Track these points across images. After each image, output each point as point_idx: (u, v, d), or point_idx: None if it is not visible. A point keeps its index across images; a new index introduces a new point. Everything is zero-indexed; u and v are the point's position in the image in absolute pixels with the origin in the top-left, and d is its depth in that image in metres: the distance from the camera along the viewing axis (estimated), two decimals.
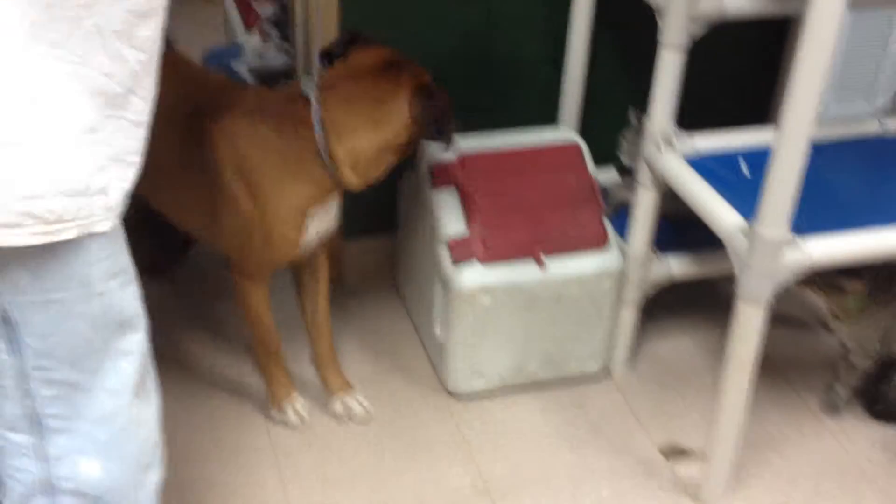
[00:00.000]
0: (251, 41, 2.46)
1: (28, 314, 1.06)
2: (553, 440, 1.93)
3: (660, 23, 1.75)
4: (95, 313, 1.09)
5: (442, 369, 2.04)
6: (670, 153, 1.83)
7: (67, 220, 1.01)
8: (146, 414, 1.20)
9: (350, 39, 1.70)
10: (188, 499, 1.74)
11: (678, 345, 2.20)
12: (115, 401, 1.15)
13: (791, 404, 2.05)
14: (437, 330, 2.04)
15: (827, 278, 1.87)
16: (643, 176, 1.89)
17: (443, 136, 1.69)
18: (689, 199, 1.76)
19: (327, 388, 1.97)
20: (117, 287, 1.11)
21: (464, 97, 2.17)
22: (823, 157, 1.73)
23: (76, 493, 1.17)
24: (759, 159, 1.77)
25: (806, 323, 2.27)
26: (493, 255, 1.93)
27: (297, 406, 1.93)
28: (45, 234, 0.99)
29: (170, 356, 2.07)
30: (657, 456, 1.90)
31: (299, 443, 1.89)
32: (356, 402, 1.96)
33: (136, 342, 1.16)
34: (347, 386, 1.98)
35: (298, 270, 1.91)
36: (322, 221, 1.75)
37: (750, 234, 1.58)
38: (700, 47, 1.77)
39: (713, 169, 1.80)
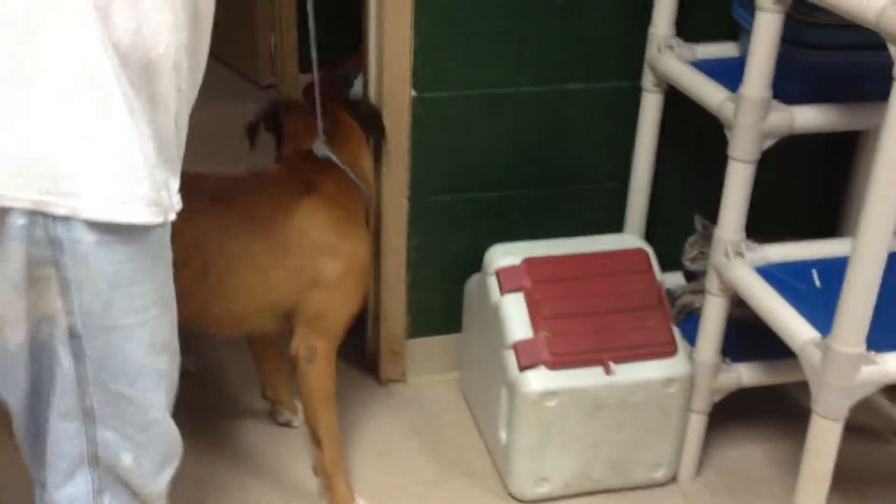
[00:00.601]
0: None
1: (94, 333, 1.18)
2: None
3: (728, 136, 1.77)
4: (147, 339, 1.22)
5: (506, 473, 2.03)
6: (740, 262, 1.83)
7: (158, 205, 1.15)
8: (172, 420, 1.34)
9: (275, 109, 1.95)
10: None
11: (748, 453, 2.16)
12: (159, 414, 1.29)
13: None
14: (502, 433, 2.03)
15: None
16: (712, 284, 1.89)
17: (376, 130, 2.01)
18: (760, 309, 1.75)
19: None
20: (159, 315, 1.23)
21: (531, 204, 2.23)
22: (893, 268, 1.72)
23: (112, 473, 1.29)
24: (831, 269, 1.77)
25: (881, 434, 2.22)
26: (559, 361, 1.93)
27: None
28: (147, 214, 1.14)
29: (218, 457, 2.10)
30: None
31: None
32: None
33: (173, 364, 1.29)
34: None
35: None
36: None
37: (825, 350, 1.56)
38: (768, 155, 1.78)
39: (784, 279, 1.79)
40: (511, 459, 1.99)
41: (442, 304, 2.30)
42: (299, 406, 2.16)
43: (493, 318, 2.02)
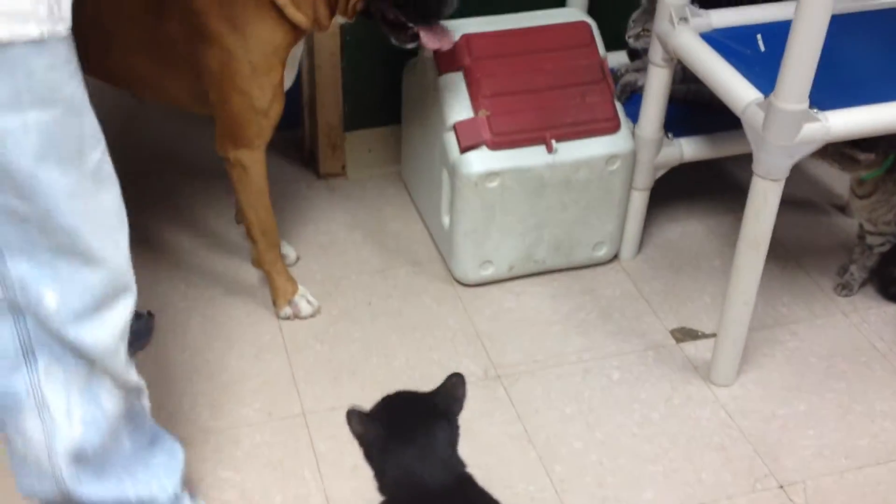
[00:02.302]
0: None
1: None
2: (563, 326, 1.92)
3: None
4: (35, 147, 1.05)
5: (451, 259, 2.02)
6: (684, 28, 1.76)
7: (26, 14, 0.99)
8: (108, 253, 1.17)
9: None
10: (202, 385, 1.74)
11: (688, 230, 2.18)
12: (72, 238, 1.12)
13: (804, 287, 2.03)
14: (445, 219, 2.01)
15: (838, 148, 1.82)
16: (655, 54, 1.84)
17: None
18: (704, 75, 1.71)
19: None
20: (54, 120, 1.07)
21: None
22: (838, 30, 1.68)
23: (44, 327, 1.15)
24: (775, 33, 1.72)
25: (821, 208, 2.24)
26: (500, 140, 1.88)
27: (309, 296, 1.91)
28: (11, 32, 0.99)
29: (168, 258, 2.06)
30: (668, 339, 1.90)
31: (308, 336, 1.87)
32: (287, 249, 1.97)
33: (80, 178, 1.12)
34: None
35: None
36: (290, 71, 1.74)
37: (768, 109, 1.53)
38: None
39: (728, 44, 1.74)
40: (455, 244, 1.98)
41: (380, 94, 2.22)
42: None
43: (433, 100, 1.95)
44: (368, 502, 1.21)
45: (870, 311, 1.97)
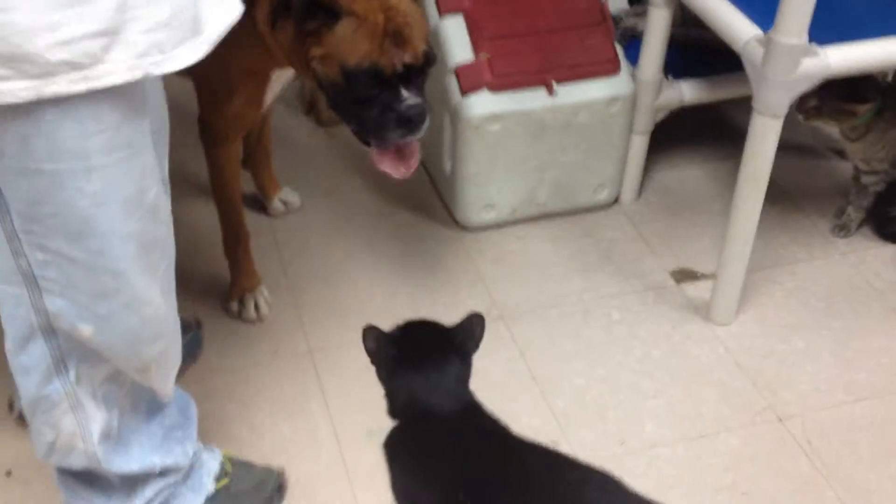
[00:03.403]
0: None
1: (12, 179, 1.00)
2: (564, 268, 1.94)
3: None
4: (93, 189, 1.01)
5: (453, 203, 2.04)
6: None
7: (107, 63, 0.93)
8: (153, 293, 1.15)
9: None
10: (208, 325, 1.76)
11: (688, 174, 2.19)
12: (118, 281, 1.09)
13: (802, 228, 2.05)
14: (447, 164, 2.02)
15: (836, 106, 1.85)
16: None
17: None
18: (703, 13, 1.71)
19: (266, 194, 2.06)
20: (115, 163, 1.01)
21: None
22: None
23: (75, 341, 1.15)
24: None
25: (818, 152, 2.26)
26: (502, 82, 1.89)
27: (261, 301, 1.81)
28: (86, 79, 0.93)
29: None
30: (668, 280, 1.92)
31: (313, 279, 1.89)
32: (292, 196, 2.07)
33: (152, 223, 1.10)
34: (279, 186, 2.07)
35: None
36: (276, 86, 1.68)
37: (767, 44, 1.54)
38: None
39: None
40: (457, 188, 2.00)
41: None
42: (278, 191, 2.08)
43: (433, 44, 1.95)
44: (377, 433, 1.23)
45: (867, 251, 1.99)
